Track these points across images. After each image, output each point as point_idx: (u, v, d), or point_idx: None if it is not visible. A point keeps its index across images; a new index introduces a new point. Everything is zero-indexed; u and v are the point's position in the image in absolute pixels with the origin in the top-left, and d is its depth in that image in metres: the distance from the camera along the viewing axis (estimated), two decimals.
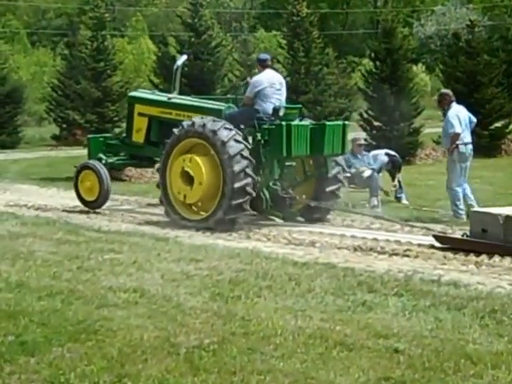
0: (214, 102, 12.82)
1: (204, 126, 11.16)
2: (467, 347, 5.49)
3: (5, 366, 5.14)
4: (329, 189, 11.83)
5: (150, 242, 9.73)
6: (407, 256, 9.02)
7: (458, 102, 12.58)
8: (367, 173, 13.90)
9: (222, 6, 64.01)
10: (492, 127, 25.24)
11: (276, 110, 11.56)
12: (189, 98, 13.29)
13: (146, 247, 9.30)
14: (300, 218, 12.01)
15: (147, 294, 6.92)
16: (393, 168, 14.74)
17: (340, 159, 12.06)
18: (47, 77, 45.30)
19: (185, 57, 14.39)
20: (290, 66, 25.37)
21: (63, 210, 13.11)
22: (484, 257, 8.85)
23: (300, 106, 12.95)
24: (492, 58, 26.65)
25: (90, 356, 5.32)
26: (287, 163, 11.75)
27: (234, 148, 10.92)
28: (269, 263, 8.29)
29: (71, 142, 28.64)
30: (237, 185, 10.86)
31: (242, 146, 11.00)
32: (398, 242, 9.86)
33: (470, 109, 12.84)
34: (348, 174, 13.78)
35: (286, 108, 11.82)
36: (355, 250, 9.44)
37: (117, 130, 21.53)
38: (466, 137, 12.28)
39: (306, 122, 11.83)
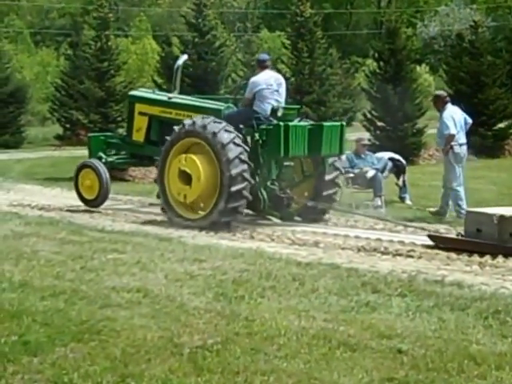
0: (213, 102, 12.84)
1: (205, 126, 11.18)
2: (471, 348, 5.48)
3: (8, 366, 5.14)
4: (326, 193, 11.86)
5: (154, 241, 9.72)
6: (411, 256, 9.03)
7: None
8: (371, 173, 13.89)
9: (226, 6, 63.95)
10: (496, 128, 25.28)
11: (274, 110, 11.58)
12: (189, 97, 13.31)
13: (149, 247, 9.30)
14: (297, 218, 12.01)
15: (151, 294, 6.91)
16: (397, 173, 14.73)
17: (338, 163, 12.07)
18: (51, 77, 45.39)
19: (185, 56, 14.41)
20: (293, 67, 25.35)
21: (66, 210, 13.12)
22: (488, 257, 8.85)
23: (299, 106, 12.94)
24: (496, 59, 26.67)
25: (94, 356, 5.32)
26: (285, 163, 11.77)
27: (233, 151, 10.94)
28: (272, 263, 8.29)
29: (75, 142, 28.60)
30: (233, 188, 10.88)
31: (240, 149, 11.01)
32: (401, 243, 9.87)
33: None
34: (351, 175, 13.79)
35: (285, 108, 11.83)
36: (359, 250, 9.44)
37: (120, 130, 21.51)
38: (461, 138, 12.27)
39: (305, 122, 11.85)
